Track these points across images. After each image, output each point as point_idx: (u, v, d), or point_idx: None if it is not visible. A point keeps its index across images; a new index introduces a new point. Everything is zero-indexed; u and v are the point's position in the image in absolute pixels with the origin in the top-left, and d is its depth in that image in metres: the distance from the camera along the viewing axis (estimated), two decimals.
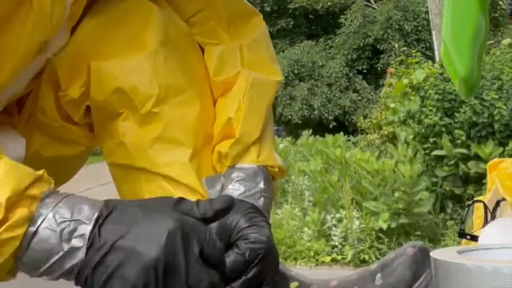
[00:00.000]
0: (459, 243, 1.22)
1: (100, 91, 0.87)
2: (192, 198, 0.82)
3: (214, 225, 0.68)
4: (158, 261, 0.58)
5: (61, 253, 0.60)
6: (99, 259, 0.59)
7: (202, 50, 0.96)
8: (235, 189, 0.84)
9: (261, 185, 0.85)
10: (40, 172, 0.63)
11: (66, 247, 0.60)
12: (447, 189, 4.60)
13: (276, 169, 0.89)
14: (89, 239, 0.60)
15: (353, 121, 11.26)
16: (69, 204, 0.61)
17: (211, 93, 0.94)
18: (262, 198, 0.85)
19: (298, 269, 5.08)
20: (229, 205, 0.68)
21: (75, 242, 0.60)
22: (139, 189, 0.86)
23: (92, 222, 0.60)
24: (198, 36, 0.96)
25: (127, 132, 0.87)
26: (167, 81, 0.87)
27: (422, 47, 12.90)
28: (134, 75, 0.86)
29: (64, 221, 0.60)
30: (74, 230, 0.60)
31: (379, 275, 0.74)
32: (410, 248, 0.75)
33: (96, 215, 0.61)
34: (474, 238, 1.02)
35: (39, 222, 0.60)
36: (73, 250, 0.60)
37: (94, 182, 7.53)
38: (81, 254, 0.60)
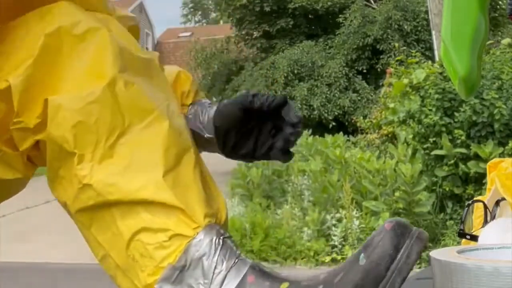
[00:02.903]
0: (459, 243, 1.22)
1: (57, 125, 0.83)
2: (170, 215, 0.81)
3: None
4: None
5: None
6: None
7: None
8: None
9: None
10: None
11: None
12: (447, 189, 4.61)
13: None
14: None
15: (352, 121, 11.25)
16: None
17: (178, 105, 0.93)
18: None
19: (298, 269, 5.08)
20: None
21: None
22: (113, 227, 0.82)
23: None
24: None
25: (87, 173, 0.83)
26: (131, 108, 0.84)
27: (422, 47, 12.88)
28: (95, 108, 0.83)
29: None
30: None
31: (362, 255, 0.75)
32: (388, 223, 0.76)
33: None
34: (474, 238, 1.02)
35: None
36: None
37: None
38: None
